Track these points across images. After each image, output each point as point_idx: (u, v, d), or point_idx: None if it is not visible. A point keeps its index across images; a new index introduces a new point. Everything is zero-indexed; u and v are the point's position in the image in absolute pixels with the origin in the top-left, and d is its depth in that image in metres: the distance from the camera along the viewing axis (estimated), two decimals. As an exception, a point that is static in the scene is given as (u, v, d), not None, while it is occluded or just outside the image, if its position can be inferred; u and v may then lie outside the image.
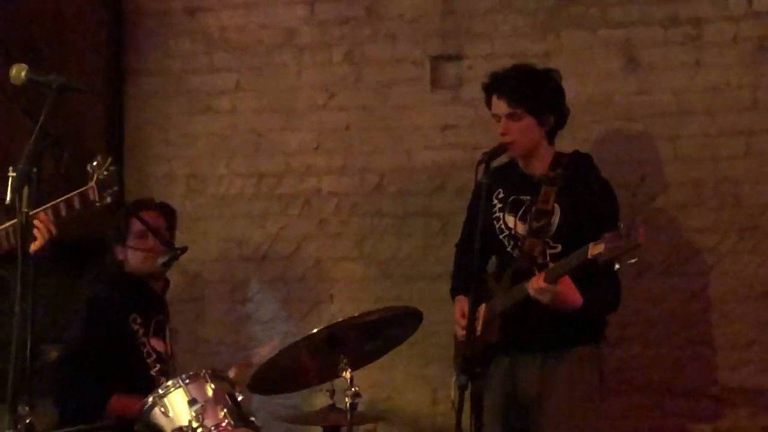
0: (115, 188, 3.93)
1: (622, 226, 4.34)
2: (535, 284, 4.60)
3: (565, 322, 4.72)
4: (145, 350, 5.15)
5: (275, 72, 6.58)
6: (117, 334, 5.08)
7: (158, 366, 5.17)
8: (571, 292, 4.62)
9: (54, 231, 3.59)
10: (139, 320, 5.17)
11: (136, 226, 5.21)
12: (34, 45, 6.36)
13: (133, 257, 5.26)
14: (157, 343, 5.21)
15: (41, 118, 3.41)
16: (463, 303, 4.93)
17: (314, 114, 6.51)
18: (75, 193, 3.78)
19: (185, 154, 6.72)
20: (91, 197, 3.83)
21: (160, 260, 5.01)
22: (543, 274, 4.61)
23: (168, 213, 5.43)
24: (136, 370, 5.11)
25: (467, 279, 4.92)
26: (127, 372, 5.06)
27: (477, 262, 4.64)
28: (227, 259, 6.63)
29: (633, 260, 4.36)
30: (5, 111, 6.12)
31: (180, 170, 6.71)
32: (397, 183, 6.35)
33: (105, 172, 3.90)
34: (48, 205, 3.66)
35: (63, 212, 3.70)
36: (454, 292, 5.17)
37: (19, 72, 3.54)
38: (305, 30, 6.53)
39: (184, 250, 5.07)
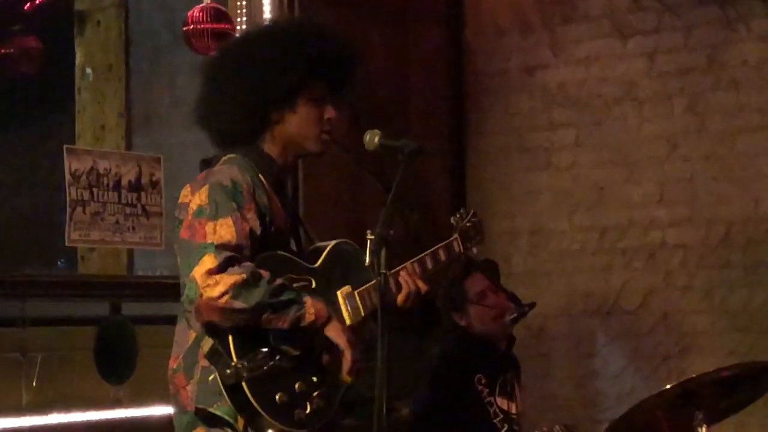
0: (479, 238, 3.96)
1: None
2: None
3: None
4: (492, 410, 5.10)
5: (615, 125, 6.57)
6: (462, 395, 5.06)
7: (506, 426, 5.11)
8: None
9: (422, 286, 3.66)
10: (484, 380, 5.11)
11: (474, 288, 5.19)
12: (380, 110, 6.58)
13: (481, 318, 5.16)
14: (503, 403, 5.15)
15: (396, 182, 3.49)
16: None
17: (656, 166, 6.44)
18: (440, 245, 3.82)
19: (527, 209, 6.78)
20: (456, 249, 3.88)
21: (509, 317, 5.03)
22: None
23: (492, 269, 5.37)
24: (483, 430, 5.09)
25: None
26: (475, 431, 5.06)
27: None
28: (572, 314, 6.62)
29: None
30: (354, 175, 6.36)
31: (522, 226, 6.78)
32: (745, 233, 6.19)
33: (468, 224, 3.95)
34: (414, 258, 3.73)
35: (429, 265, 3.76)
36: None
37: (372, 138, 3.62)
38: (645, 82, 6.49)
39: (532, 306, 5.08)
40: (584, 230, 6.63)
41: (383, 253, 3.42)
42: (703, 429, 4.41)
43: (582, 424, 4.97)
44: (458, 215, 3.97)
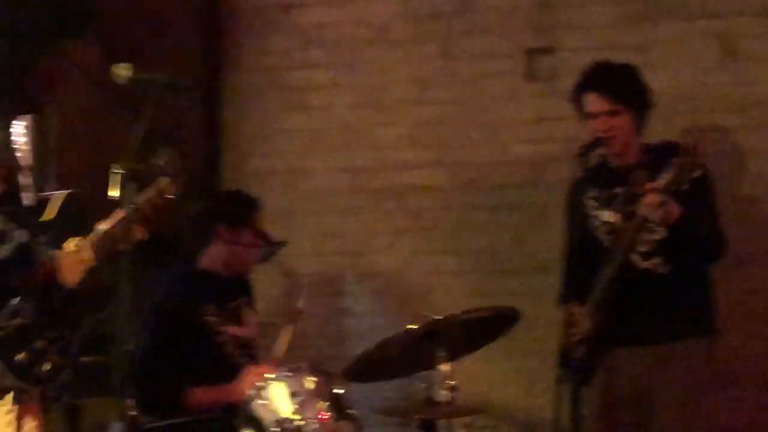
0: (180, 179, 3.96)
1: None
2: (651, 198, 4.49)
3: (677, 314, 4.71)
4: (221, 339, 5.11)
5: (369, 67, 6.62)
6: (189, 329, 5.01)
7: (238, 351, 5.12)
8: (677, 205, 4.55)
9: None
10: (212, 310, 5.14)
11: (248, 237, 5.14)
12: (134, 43, 6.46)
13: (233, 255, 5.15)
14: (235, 330, 5.18)
15: (146, 116, 3.45)
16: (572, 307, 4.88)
17: (408, 108, 6.53)
18: (154, 189, 3.83)
19: (281, 149, 6.78)
20: (167, 192, 3.88)
21: (260, 255, 5.03)
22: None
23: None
24: (216, 360, 5.05)
25: (576, 286, 4.89)
26: (206, 364, 5.01)
27: (576, 255, 4.67)
28: (323, 254, 6.68)
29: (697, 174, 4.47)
30: (106, 108, 6.23)
31: (276, 166, 6.78)
32: (491, 176, 6.35)
33: (171, 167, 3.93)
34: (135, 204, 3.70)
35: (147, 210, 3.75)
36: (564, 299, 5.04)
37: (122, 71, 3.58)
38: (399, 25, 6.55)
39: (282, 244, 5.11)
40: (336, 171, 6.68)
41: (132, 187, 3.39)
42: (445, 365, 4.55)
43: (329, 362, 5.00)
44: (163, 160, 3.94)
